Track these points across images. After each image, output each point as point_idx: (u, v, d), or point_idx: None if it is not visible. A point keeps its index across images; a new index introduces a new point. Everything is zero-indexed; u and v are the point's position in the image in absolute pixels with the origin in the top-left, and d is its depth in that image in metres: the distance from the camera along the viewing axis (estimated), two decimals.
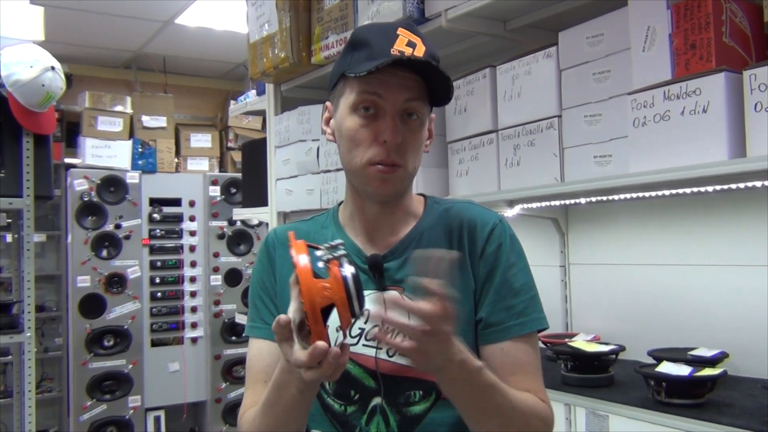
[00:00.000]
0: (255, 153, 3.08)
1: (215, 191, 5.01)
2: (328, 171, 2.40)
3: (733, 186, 1.55)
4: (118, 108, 4.85)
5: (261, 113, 3.16)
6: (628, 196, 1.85)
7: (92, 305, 4.50)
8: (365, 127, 1.08)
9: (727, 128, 1.28)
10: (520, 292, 1.11)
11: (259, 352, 1.14)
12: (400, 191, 1.13)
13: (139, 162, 4.83)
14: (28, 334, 3.13)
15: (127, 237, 4.65)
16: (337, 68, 1.13)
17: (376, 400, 1.10)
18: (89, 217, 4.57)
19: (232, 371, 4.96)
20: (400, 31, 1.09)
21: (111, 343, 4.57)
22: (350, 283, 0.85)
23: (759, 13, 1.38)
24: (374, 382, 1.10)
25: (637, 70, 1.49)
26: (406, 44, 1.07)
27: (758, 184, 1.44)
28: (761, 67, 1.24)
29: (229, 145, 5.45)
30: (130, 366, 4.61)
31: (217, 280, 4.97)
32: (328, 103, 1.17)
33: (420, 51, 1.08)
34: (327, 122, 1.17)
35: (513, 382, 1.05)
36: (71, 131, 4.98)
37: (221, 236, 5.00)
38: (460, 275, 1.12)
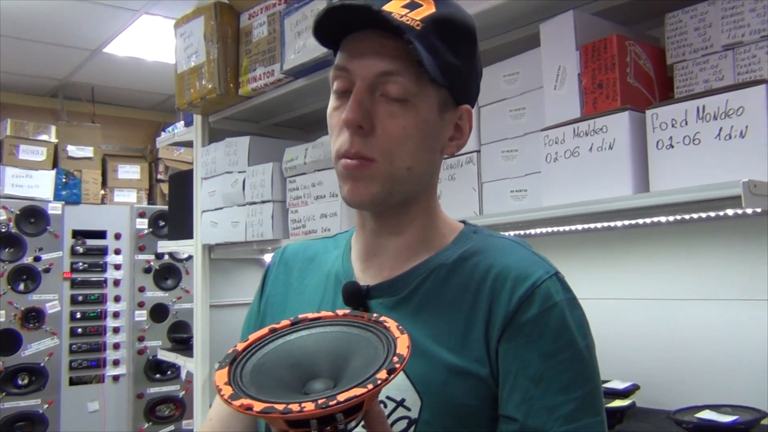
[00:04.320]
0: (182, 185, 3.02)
1: (143, 224, 4.88)
2: (254, 203, 2.37)
3: (640, 221, 1.60)
4: (42, 137, 4.71)
5: (189, 144, 3.12)
6: (544, 230, 1.89)
7: (6, 341, 4.29)
8: (336, 110, 0.85)
9: (631, 164, 1.33)
10: (570, 385, 0.78)
11: None
12: (382, 197, 0.84)
13: (63, 193, 4.68)
14: None
15: (47, 270, 4.47)
16: None
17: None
18: (6, 249, 4.38)
19: (156, 411, 4.78)
20: None
21: (25, 381, 4.35)
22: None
23: (662, 56, 1.45)
24: None
25: (549, 108, 1.53)
26: (404, 5, 0.81)
27: (663, 219, 1.50)
28: (662, 106, 1.30)
29: (159, 177, 5.34)
30: (46, 406, 4.39)
31: (142, 315, 4.82)
32: None
33: (421, 14, 0.80)
34: None
35: None
36: None
37: (148, 270, 4.86)
38: (460, 348, 0.81)
